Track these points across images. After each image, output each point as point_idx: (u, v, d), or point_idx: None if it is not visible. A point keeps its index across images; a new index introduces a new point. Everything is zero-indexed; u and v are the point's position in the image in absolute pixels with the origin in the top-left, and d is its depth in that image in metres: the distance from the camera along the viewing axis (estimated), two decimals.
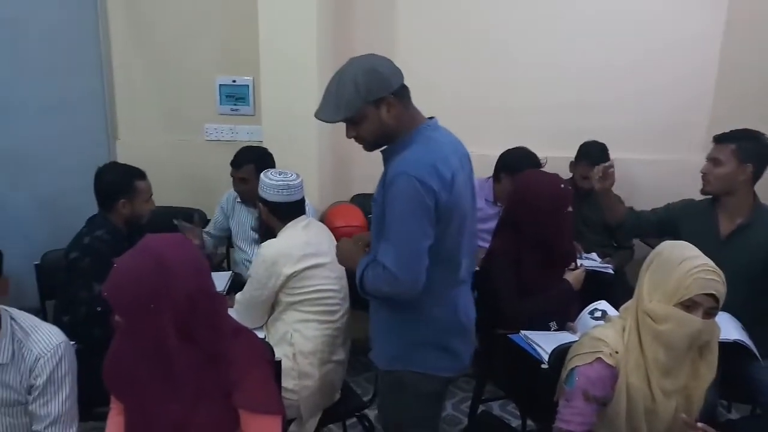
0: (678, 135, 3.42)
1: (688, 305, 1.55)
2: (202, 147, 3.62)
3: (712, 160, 2.40)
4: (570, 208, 2.32)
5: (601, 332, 1.70)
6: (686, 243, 1.67)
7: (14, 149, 2.75)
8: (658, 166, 3.41)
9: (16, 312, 1.66)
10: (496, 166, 3.12)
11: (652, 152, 3.43)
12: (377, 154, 1.82)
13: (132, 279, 1.39)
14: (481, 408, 2.76)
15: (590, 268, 2.69)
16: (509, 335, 2.29)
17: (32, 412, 1.62)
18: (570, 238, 2.50)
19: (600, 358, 1.63)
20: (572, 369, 1.67)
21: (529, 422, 2.45)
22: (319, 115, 1.71)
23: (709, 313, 1.57)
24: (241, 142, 3.45)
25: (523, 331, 2.27)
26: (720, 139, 2.41)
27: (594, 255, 3.00)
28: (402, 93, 1.72)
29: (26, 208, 2.75)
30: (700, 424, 1.51)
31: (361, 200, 3.38)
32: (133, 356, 1.50)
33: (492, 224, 3.12)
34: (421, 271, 1.66)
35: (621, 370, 1.62)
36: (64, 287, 2.36)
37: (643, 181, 3.39)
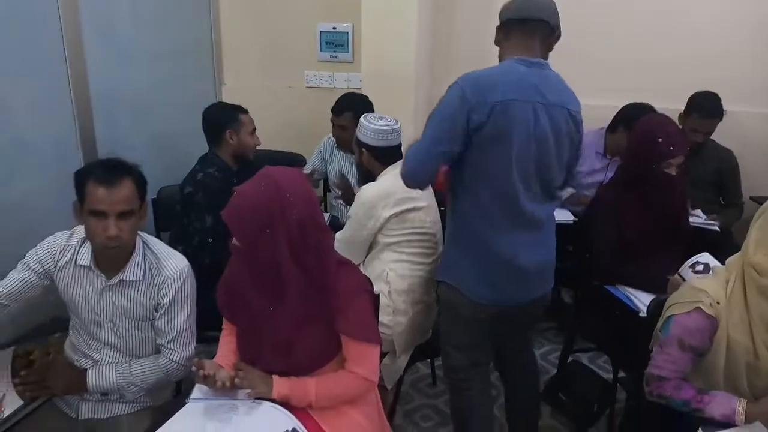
0: None
1: None
2: (302, 93, 3.73)
3: None
4: (681, 158, 2.22)
5: (702, 283, 1.66)
6: None
7: (133, 93, 2.94)
8: None
9: (147, 236, 1.82)
10: (614, 117, 3.05)
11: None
12: None
13: (251, 204, 1.49)
14: (570, 358, 2.77)
15: (694, 224, 2.60)
16: (605, 286, 2.26)
17: (158, 328, 1.80)
18: (683, 203, 2.41)
19: (699, 308, 1.59)
20: (669, 317, 1.65)
21: (621, 374, 2.44)
22: None
23: None
24: (339, 89, 3.53)
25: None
26: None
27: (699, 212, 2.88)
28: (511, 26, 1.83)
29: (144, 147, 2.96)
30: None
31: None
32: (247, 279, 1.62)
33: (600, 176, 3.09)
34: (420, 166, 1.84)
35: (721, 322, 1.58)
36: (179, 219, 2.54)
37: (756, 135, 3.19)
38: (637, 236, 2.30)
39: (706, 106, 2.95)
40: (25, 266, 1.74)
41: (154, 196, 2.81)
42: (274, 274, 1.56)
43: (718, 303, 1.59)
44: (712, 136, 3.05)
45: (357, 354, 1.64)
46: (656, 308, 1.78)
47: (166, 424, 1.49)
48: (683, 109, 3.05)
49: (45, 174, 2.39)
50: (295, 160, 3.41)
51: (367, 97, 3.03)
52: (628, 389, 2.35)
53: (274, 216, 1.49)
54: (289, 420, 1.54)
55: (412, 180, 1.91)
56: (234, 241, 1.54)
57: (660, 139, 2.21)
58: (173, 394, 2.01)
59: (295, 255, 1.54)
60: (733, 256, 1.68)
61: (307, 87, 3.74)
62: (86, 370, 1.75)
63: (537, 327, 3.33)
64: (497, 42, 1.91)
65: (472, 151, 1.78)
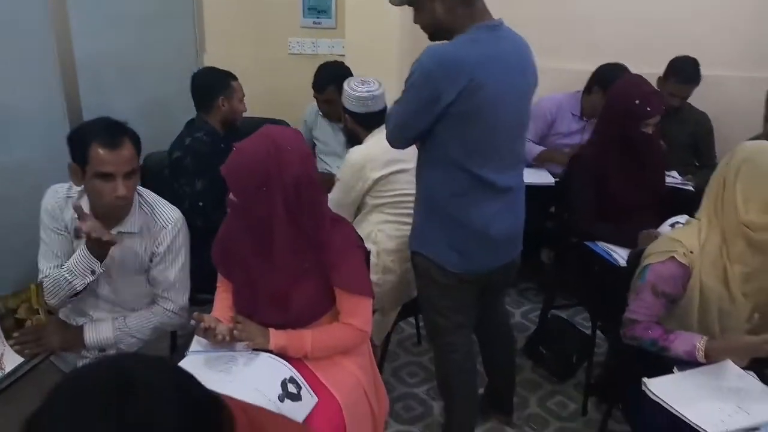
0: None
1: None
2: (285, 61, 3.72)
3: None
4: (657, 118, 2.30)
5: (677, 233, 1.76)
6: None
7: (116, 57, 2.92)
8: (755, 84, 3.27)
9: (140, 188, 1.86)
10: (590, 78, 3.11)
11: (748, 69, 3.28)
12: None
13: (249, 161, 1.54)
14: (550, 315, 2.88)
15: (670, 185, 2.70)
16: (585, 242, 2.35)
17: (153, 277, 1.85)
18: (659, 162, 2.50)
19: (673, 257, 1.69)
20: (646, 266, 1.74)
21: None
22: None
23: None
24: (322, 56, 3.53)
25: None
26: None
27: (674, 173, 2.98)
28: None
29: (130, 112, 2.95)
30: None
31: None
32: (243, 235, 1.67)
33: (576, 138, 3.17)
34: (399, 134, 1.88)
35: (695, 270, 1.68)
36: (168, 184, 2.56)
37: (737, 100, 3.27)
38: (616, 195, 2.39)
39: (685, 71, 3.03)
40: (45, 230, 1.80)
41: (141, 163, 2.82)
42: (269, 230, 1.61)
43: (691, 252, 1.68)
44: (688, 99, 3.14)
45: (350, 306, 1.71)
46: (635, 260, 1.88)
47: None
48: (662, 73, 3.12)
49: (32, 139, 2.40)
50: None
51: (344, 66, 3.02)
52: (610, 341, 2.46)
53: (271, 173, 1.53)
54: (286, 369, 1.60)
55: (395, 143, 1.94)
56: (231, 196, 1.59)
57: (637, 100, 2.28)
58: (169, 350, 2.06)
59: (290, 212, 1.59)
60: (703, 205, 1.77)
61: (290, 54, 3.73)
62: (83, 326, 1.80)
63: (517, 287, 3.44)
64: (449, 11, 1.76)
65: (443, 126, 1.77)
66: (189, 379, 0.76)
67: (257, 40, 3.74)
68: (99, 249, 1.68)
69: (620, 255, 2.21)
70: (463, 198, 1.84)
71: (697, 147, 3.19)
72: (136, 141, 1.73)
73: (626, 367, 1.84)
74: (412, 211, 2.35)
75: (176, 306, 1.87)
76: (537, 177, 2.98)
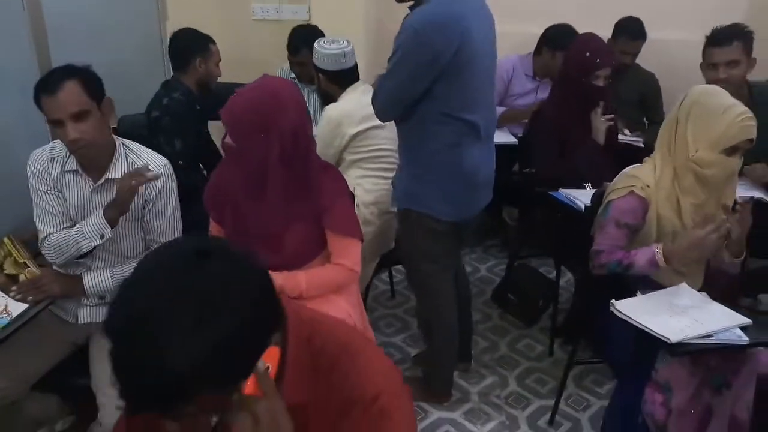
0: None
1: (730, 150, 1.77)
2: (249, 26, 3.73)
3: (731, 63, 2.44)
4: (608, 70, 2.49)
5: (634, 171, 1.94)
6: (716, 88, 1.86)
7: (83, 21, 2.89)
8: (696, 46, 3.48)
9: (125, 140, 1.90)
10: (539, 40, 3.26)
11: (690, 31, 3.47)
12: None
13: (249, 107, 1.62)
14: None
15: (621, 141, 2.90)
16: (549, 192, 2.52)
17: (146, 223, 1.89)
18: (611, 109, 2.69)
19: (633, 191, 1.87)
20: (608, 202, 1.92)
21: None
22: None
23: (743, 154, 1.79)
24: (286, 21, 3.56)
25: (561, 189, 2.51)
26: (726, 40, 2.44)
27: (626, 131, 3.18)
28: None
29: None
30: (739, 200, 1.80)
31: None
32: (236, 178, 1.75)
33: (531, 98, 3.33)
34: (391, 109, 1.97)
35: (651, 202, 1.86)
36: (146, 144, 2.59)
37: (676, 60, 3.48)
38: (574, 146, 2.57)
39: (632, 28, 3.25)
40: (36, 193, 1.83)
41: (115, 125, 2.83)
42: (263, 174, 1.69)
43: (648, 186, 1.86)
44: (636, 61, 3.35)
45: (341, 247, 1.82)
46: (597, 199, 2.05)
47: None
48: (610, 35, 3.30)
49: (10, 100, 2.38)
50: None
51: (317, 28, 3.09)
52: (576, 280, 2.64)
53: (270, 121, 1.62)
54: None
55: (383, 117, 2.03)
56: (227, 140, 1.66)
57: (587, 53, 2.48)
58: None
59: (284, 158, 1.68)
60: (657, 147, 1.94)
61: (253, 20, 3.75)
62: (82, 274, 1.85)
63: (482, 244, 3.62)
64: None
65: (439, 83, 1.87)
66: (254, 256, 0.87)
67: (220, 5, 3.74)
68: (122, 205, 1.73)
69: (582, 201, 2.38)
70: (457, 148, 1.96)
71: (645, 105, 3.40)
72: (86, 81, 1.70)
73: (594, 297, 2.01)
74: (389, 166, 2.49)
75: None
76: (500, 137, 3.12)
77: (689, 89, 1.90)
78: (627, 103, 3.35)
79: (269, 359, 0.87)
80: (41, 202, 1.83)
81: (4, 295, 1.74)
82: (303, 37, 2.99)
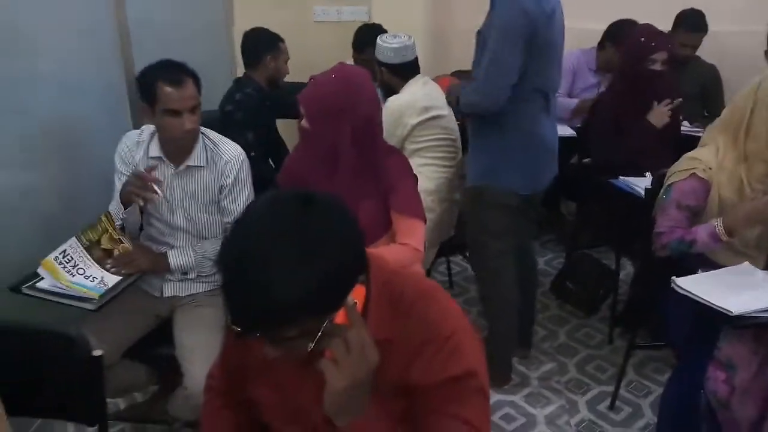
0: None
1: None
2: (311, 28, 3.89)
3: None
4: (664, 54, 2.52)
5: (695, 153, 1.95)
6: None
7: (156, 26, 3.09)
8: (756, 37, 3.41)
9: (203, 128, 2.03)
10: (603, 35, 3.31)
11: (751, 23, 3.43)
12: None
13: (325, 92, 1.74)
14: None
15: (682, 132, 2.90)
16: (609, 180, 2.55)
17: (224, 207, 2.03)
18: (671, 95, 2.69)
19: (694, 173, 1.88)
20: (669, 185, 1.94)
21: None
22: None
23: None
24: (347, 22, 3.70)
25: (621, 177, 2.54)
26: None
27: (686, 122, 3.17)
28: None
29: None
30: None
31: (458, 75, 3.62)
32: (310, 160, 1.87)
33: (593, 93, 3.37)
34: (503, 89, 2.02)
35: (714, 183, 1.87)
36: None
37: (737, 52, 3.42)
38: (635, 138, 2.59)
39: (693, 20, 3.23)
40: (119, 174, 1.99)
41: None
42: (335, 156, 1.81)
43: (710, 168, 1.88)
44: (697, 53, 3.33)
45: (407, 227, 1.90)
46: (657, 182, 2.08)
47: None
48: (670, 27, 3.29)
49: (96, 95, 2.59)
50: None
51: (381, 27, 3.20)
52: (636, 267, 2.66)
53: (345, 106, 1.73)
54: None
55: (498, 100, 2.06)
56: (303, 122, 1.78)
57: (642, 38, 2.53)
58: None
59: (355, 141, 1.79)
60: (718, 132, 1.94)
61: (315, 21, 3.90)
62: (166, 252, 2.00)
63: (539, 239, 3.64)
64: None
65: (532, 59, 2.02)
66: (350, 209, 0.98)
67: (282, 8, 3.91)
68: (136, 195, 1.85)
69: (641, 188, 2.40)
70: (537, 121, 2.15)
71: (706, 97, 3.37)
72: (196, 79, 1.92)
73: (656, 280, 2.02)
74: (449, 155, 2.58)
75: None
76: (558, 130, 3.17)
77: (762, 74, 1.87)
78: (688, 96, 3.31)
79: (356, 296, 0.97)
80: (118, 184, 1.98)
81: (101, 268, 1.91)
82: (368, 36, 3.10)
